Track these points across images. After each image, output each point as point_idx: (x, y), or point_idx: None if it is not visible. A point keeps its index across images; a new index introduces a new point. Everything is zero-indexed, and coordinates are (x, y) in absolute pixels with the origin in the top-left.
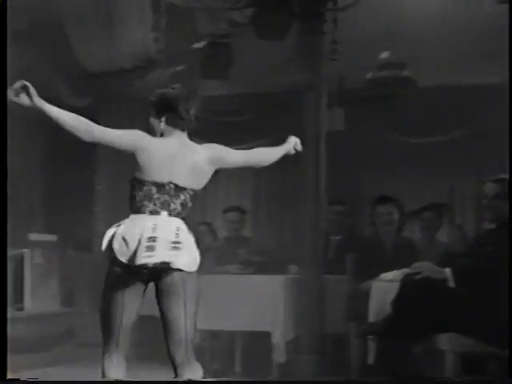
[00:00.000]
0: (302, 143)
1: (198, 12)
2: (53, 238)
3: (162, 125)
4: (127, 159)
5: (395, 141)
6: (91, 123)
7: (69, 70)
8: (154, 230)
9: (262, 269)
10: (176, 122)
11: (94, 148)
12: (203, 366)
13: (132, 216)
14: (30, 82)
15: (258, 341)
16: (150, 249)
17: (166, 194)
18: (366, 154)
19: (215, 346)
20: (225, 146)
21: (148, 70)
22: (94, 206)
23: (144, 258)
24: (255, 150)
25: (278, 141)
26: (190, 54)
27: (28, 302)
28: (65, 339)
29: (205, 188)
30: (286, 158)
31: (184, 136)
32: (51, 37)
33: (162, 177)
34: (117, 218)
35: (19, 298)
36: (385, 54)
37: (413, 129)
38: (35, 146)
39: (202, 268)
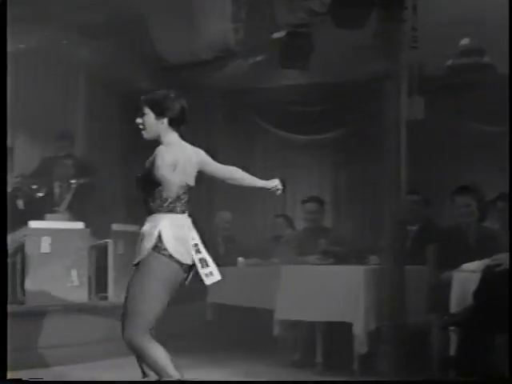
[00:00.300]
0: (383, 132)
1: (277, 2)
2: (135, 228)
3: (164, 126)
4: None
5: (474, 129)
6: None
7: (150, 62)
8: (190, 230)
9: (342, 259)
10: (174, 123)
11: None
12: (284, 357)
13: (165, 216)
14: (112, 76)
15: (339, 331)
16: (198, 251)
17: (186, 194)
18: (445, 143)
19: (296, 337)
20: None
21: (227, 60)
22: None
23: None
24: (235, 168)
25: (358, 130)
26: (269, 44)
27: (111, 291)
28: None
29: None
30: (365, 146)
31: (177, 136)
32: (132, 30)
33: (184, 179)
34: (197, 208)
35: (103, 287)
36: (465, 41)
37: (492, 117)
38: (118, 138)
39: (281, 258)
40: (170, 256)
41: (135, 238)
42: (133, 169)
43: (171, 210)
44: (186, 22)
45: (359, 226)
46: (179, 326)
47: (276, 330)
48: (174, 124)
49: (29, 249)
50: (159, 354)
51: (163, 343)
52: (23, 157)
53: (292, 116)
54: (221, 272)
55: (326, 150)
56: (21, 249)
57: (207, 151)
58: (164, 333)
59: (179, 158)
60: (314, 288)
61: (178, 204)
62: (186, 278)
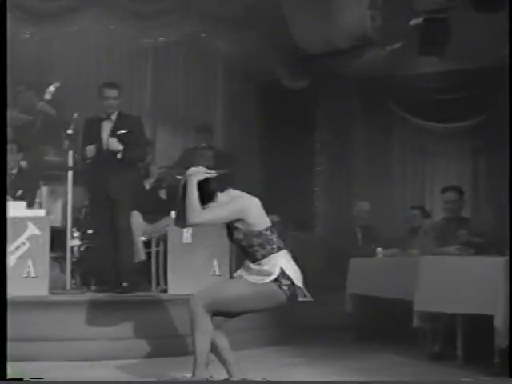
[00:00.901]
0: None
1: None
2: (274, 218)
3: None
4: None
5: None
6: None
7: (287, 53)
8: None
9: (482, 250)
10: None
11: (313, 129)
12: (423, 349)
13: (278, 255)
14: (249, 68)
15: (480, 324)
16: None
17: None
18: None
19: (436, 329)
20: None
21: (364, 49)
22: (314, 187)
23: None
24: None
25: (497, 117)
26: (407, 31)
27: None
28: (287, 319)
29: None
30: (505, 133)
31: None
32: (269, 21)
33: None
34: (336, 198)
35: None
36: None
37: None
38: (256, 129)
39: (420, 249)
40: (288, 288)
41: (274, 229)
42: (272, 159)
43: (279, 249)
44: (323, 12)
45: (499, 216)
46: (319, 317)
47: (415, 322)
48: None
49: (171, 239)
50: (205, 326)
51: (302, 334)
52: (165, 148)
53: (429, 104)
54: (360, 262)
55: (464, 137)
56: (164, 238)
57: (345, 140)
58: (304, 323)
59: None
60: (454, 279)
61: (280, 242)
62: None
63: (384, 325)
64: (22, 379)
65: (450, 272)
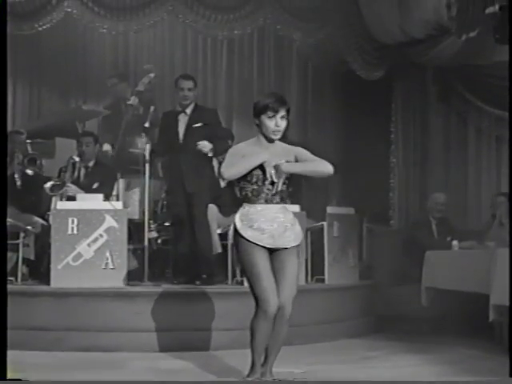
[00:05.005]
0: None
1: None
2: (350, 210)
3: None
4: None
5: None
6: None
7: (362, 43)
8: None
9: None
10: None
11: (388, 120)
12: (500, 344)
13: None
14: (324, 59)
15: None
16: None
17: None
18: None
19: None
20: None
21: (440, 38)
22: (389, 179)
23: None
24: None
25: None
26: (483, 20)
27: (328, 274)
28: (363, 312)
29: None
30: None
31: None
32: (344, 12)
33: None
34: (411, 190)
35: (321, 270)
36: None
37: None
38: (331, 121)
39: (498, 241)
40: None
41: (350, 221)
42: (347, 150)
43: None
44: (398, 1)
45: None
46: (396, 309)
47: (492, 316)
48: None
49: None
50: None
51: (378, 326)
52: (241, 140)
53: (506, 93)
54: (435, 256)
55: None
56: None
57: (420, 131)
58: (381, 315)
59: None
60: None
61: None
62: None
63: (460, 318)
64: (20, 379)
65: None
